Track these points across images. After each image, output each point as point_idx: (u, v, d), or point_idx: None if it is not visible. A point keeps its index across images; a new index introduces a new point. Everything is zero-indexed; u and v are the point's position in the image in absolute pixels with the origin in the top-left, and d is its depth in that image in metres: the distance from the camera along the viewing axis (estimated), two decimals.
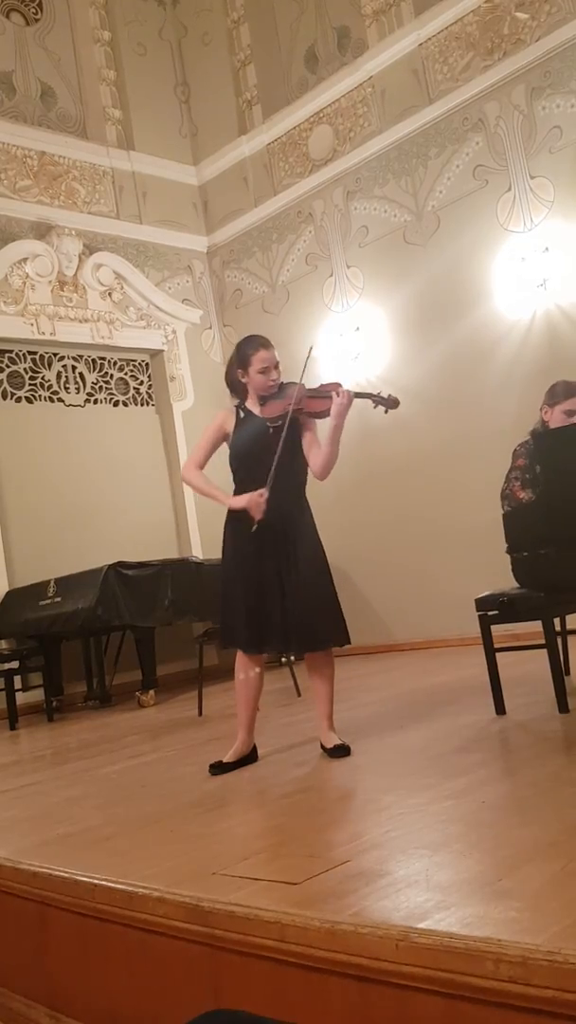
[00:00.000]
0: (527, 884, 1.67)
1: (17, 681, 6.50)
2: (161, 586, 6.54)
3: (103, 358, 8.38)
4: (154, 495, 8.32)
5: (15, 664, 6.56)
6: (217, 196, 8.98)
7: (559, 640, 3.62)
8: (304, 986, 1.63)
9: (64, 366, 8.11)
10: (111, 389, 8.41)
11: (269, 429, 3.33)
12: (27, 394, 7.82)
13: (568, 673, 3.81)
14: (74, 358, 8.18)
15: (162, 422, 8.64)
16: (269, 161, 8.50)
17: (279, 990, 1.68)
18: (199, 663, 5.49)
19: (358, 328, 7.71)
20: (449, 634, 6.68)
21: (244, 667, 3.43)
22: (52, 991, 2.26)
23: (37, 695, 6.76)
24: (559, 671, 3.40)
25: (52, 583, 6.63)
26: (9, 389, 7.72)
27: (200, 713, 5.29)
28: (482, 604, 3.62)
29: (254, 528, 3.27)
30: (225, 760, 3.37)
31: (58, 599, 6.50)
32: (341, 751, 3.26)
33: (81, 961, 2.19)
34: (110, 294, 8.27)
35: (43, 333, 7.77)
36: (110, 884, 2.09)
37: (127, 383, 8.56)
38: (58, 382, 8.04)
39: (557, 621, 3.73)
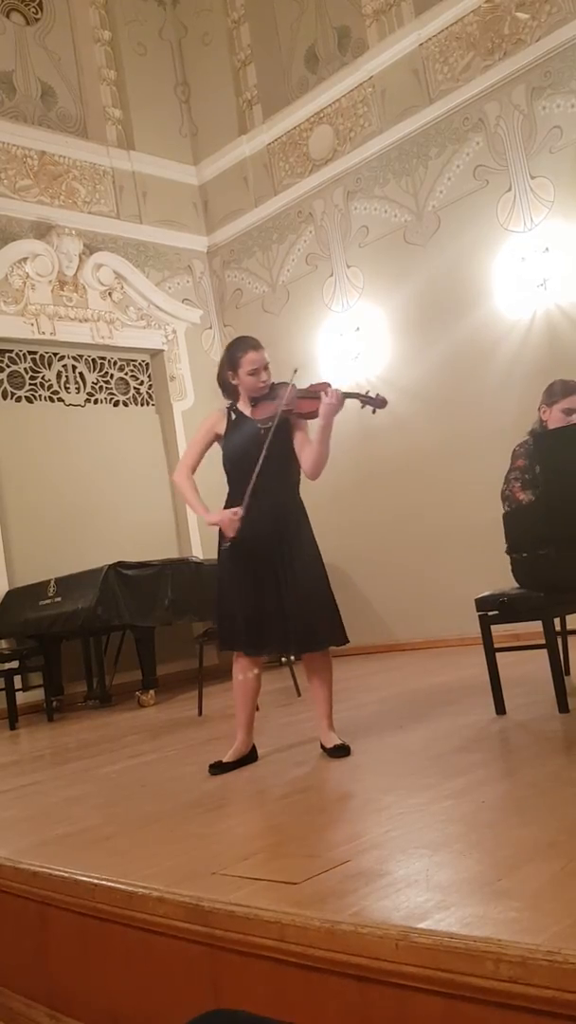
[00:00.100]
0: (527, 884, 1.67)
1: (17, 681, 6.50)
2: (161, 586, 6.54)
3: (103, 358, 8.38)
4: (154, 495, 8.32)
5: (15, 664, 6.57)
6: (217, 196, 8.98)
7: (559, 640, 3.62)
8: (304, 986, 1.63)
9: (64, 366, 8.11)
10: (111, 389, 8.41)
11: (260, 431, 3.33)
12: (27, 394, 7.82)
13: (568, 673, 3.81)
14: (74, 358, 8.18)
15: (162, 422, 8.64)
16: (269, 161, 8.50)
17: (279, 990, 1.68)
18: (199, 663, 5.49)
19: (358, 328, 7.71)
20: (449, 634, 6.68)
21: (242, 668, 3.43)
22: (52, 991, 2.26)
23: (37, 695, 6.76)
24: (559, 671, 3.41)
25: (52, 583, 6.63)
26: (9, 389, 7.72)
27: (200, 713, 5.29)
28: (482, 604, 3.62)
29: (226, 545, 3.30)
30: (225, 760, 3.38)
31: (58, 599, 6.50)
32: (341, 751, 3.26)
33: (81, 961, 2.19)
34: (110, 294, 8.27)
35: (43, 333, 7.77)
36: (110, 884, 2.09)
37: (127, 383, 8.56)
38: (58, 382, 8.04)
39: (557, 621, 3.73)
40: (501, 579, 3.79)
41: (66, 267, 7.93)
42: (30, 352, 7.89)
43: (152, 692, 6.46)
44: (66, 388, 8.08)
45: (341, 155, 7.83)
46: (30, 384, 7.86)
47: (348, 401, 3.35)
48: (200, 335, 8.88)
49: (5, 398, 7.67)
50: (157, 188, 8.79)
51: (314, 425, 3.33)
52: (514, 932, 1.42)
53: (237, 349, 3.43)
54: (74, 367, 8.17)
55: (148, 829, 2.68)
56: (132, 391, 8.57)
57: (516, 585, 3.66)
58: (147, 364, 8.72)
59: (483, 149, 6.82)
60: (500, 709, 3.55)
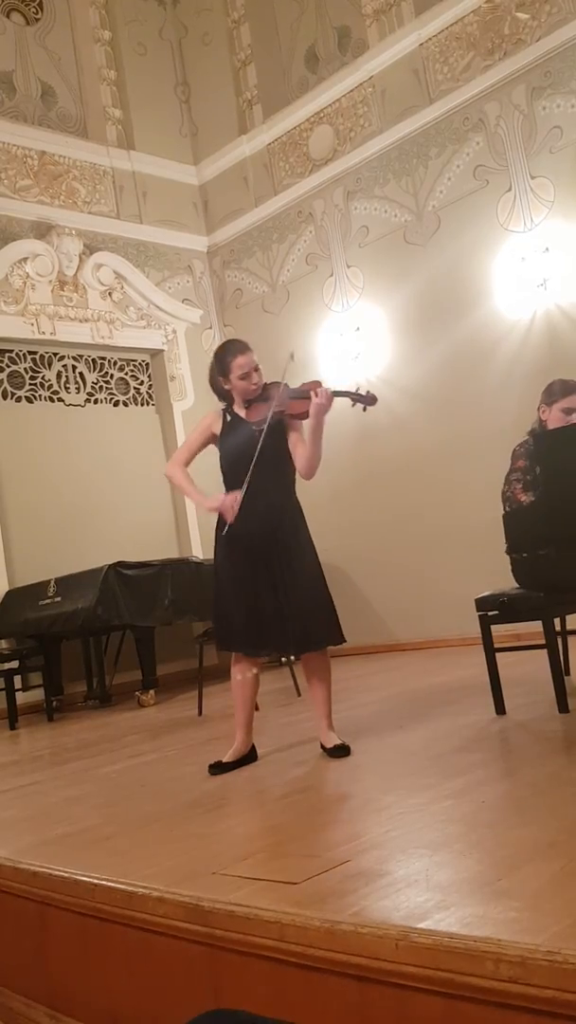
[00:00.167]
0: (527, 884, 1.67)
1: (17, 681, 6.50)
2: (161, 586, 6.54)
3: (103, 358, 8.39)
4: (154, 495, 8.32)
5: (15, 664, 6.57)
6: (217, 196, 8.98)
7: (559, 640, 3.62)
8: (304, 986, 1.63)
9: (64, 366, 8.11)
10: (111, 389, 8.41)
11: (255, 432, 3.33)
12: (27, 394, 7.82)
13: (568, 673, 3.81)
14: (74, 358, 8.18)
15: (162, 422, 8.64)
16: (269, 161, 8.50)
17: (279, 990, 1.68)
18: (199, 663, 5.49)
19: (358, 328, 7.71)
20: (449, 634, 6.68)
21: (241, 668, 3.44)
22: (52, 991, 2.26)
23: (37, 695, 6.76)
24: (559, 671, 3.40)
25: (52, 583, 6.63)
26: (9, 389, 7.72)
27: (200, 713, 5.29)
28: (482, 604, 3.62)
29: (225, 531, 3.30)
30: (224, 760, 3.38)
31: (58, 599, 6.50)
32: (341, 751, 3.27)
33: (81, 961, 2.19)
34: (110, 294, 8.27)
35: (43, 333, 7.77)
36: (110, 884, 2.09)
37: (127, 383, 8.56)
38: (58, 382, 8.05)
39: (557, 621, 3.73)
40: (501, 579, 3.79)
41: (66, 267, 7.93)
42: (30, 352, 7.89)
43: (152, 692, 6.46)
44: (66, 388, 8.08)
45: (341, 155, 7.83)
46: (30, 384, 7.86)
47: (340, 400, 3.34)
48: (200, 335, 8.88)
49: (5, 398, 7.67)
50: (157, 188, 8.79)
51: (308, 425, 3.34)
52: (514, 932, 1.42)
53: (226, 354, 3.43)
54: (74, 367, 8.17)
55: (148, 829, 2.68)
56: (132, 391, 8.57)
57: (516, 585, 3.66)
58: (147, 364, 8.72)
59: (483, 149, 6.82)
60: (500, 709, 3.54)
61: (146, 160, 8.71)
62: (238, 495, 3.26)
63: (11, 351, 7.77)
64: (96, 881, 2.13)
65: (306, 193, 8.12)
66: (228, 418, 3.48)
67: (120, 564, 6.41)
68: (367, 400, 3.36)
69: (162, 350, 8.62)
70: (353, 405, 3.40)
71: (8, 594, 7.10)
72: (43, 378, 7.95)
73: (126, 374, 8.56)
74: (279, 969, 1.66)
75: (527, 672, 4.02)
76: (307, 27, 8.35)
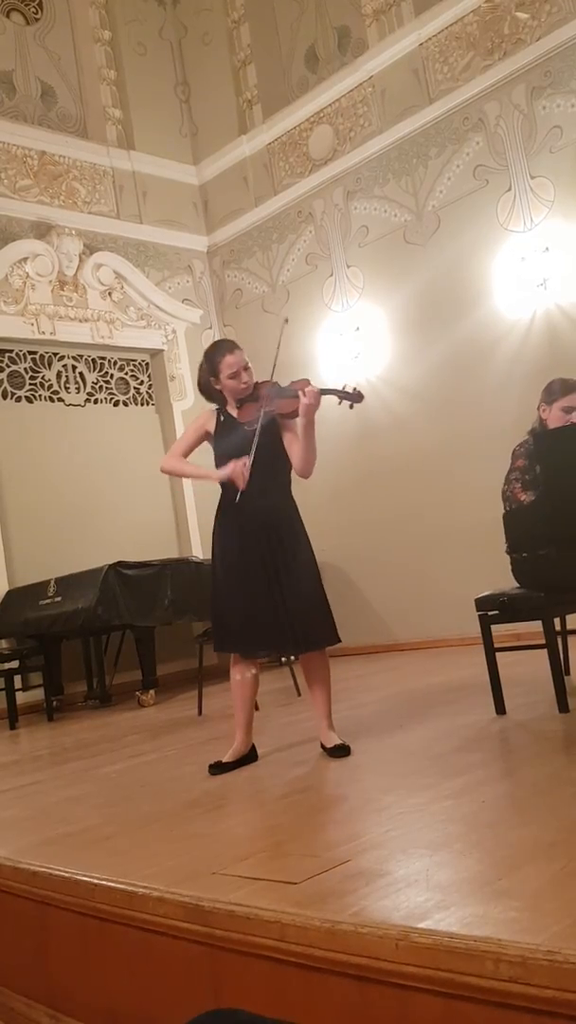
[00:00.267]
0: (527, 884, 1.67)
1: (17, 681, 6.50)
2: (161, 586, 6.54)
3: (103, 358, 8.38)
4: (154, 495, 8.32)
5: (15, 664, 6.57)
6: (217, 196, 8.98)
7: (559, 640, 3.62)
8: (304, 986, 1.63)
9: (64, 366, 8.11)
10: (111, 389, 8.41)
11: (249, 432, 3.33)
12: (27, 394, 7.82)
13: (568, 673, 3.81)
14: (74, 358, 8.18)
15: (162, 422, 8.64)
16: (269, 161, 8.50)
17: (279, 990, 1.68)
18: (199, 663, 5.49)
19: (358, 328, 7.71)
20: (449, 634, 6.67)
21: (240, 669, 3.44)
22: (52, 991, 2.26)
23: (37, 695, 6.76)
24: (559, 671, 3.41)
25: (52, 583, 6.63)
26: (9, 389, 7.72)
27: (200, 712, 5.29)
28: (482, 604, 3.62)
29: (237, 499, 3.28)
30: (224, 760, 3.38)
31: (58, 599, 6.50)
32: (341, 751, 3.27)
33: (81, 961, 2.19)
34: (110, 294, 8.27)
35: (43, 333, 7.77)
36: (110, 884, 2.09)
37: (127, 383, 8.56)
38: (58, 382, 8.04)
39: (557, 621, 3.73)
40: (501, 579, 3.79)
41: (66, 267, 7.93)
42: (30, 352, 7.89)
43: (152, 692, 6.46)
44: (66, 388, 8.08)
45: (341, 155, 7.83)
46: (30, 384, 7.86)
47: (328, 397, 3.34)
48: (200, 335, 8.87)
49: (5, 398, 7.67)
50: (157, 188, 8.79)
51: (299, 423, 3.34)
52: (514, 932, 1.42)
53: (215, 354, 3.44)
54: (74, 367, 8.17)
55: (148, 829, 2.68)
56: (132, 391, 8.57)
57: (516, 585, 3.66)
58: (147, 364, 8.72)
59: (483, 149, 6.82)
60: (500, 709, 3.55)
61: (146, 160, 8.71)
62: (247, 460, 3.26)
63: (11, 351, 7.77)
64: (96, 881, 2.13)
65: (306, 193, 8.12)
66: (222, 418, 3.48)
67: (120, 564, 6.41)
68: (353, 397, 3.35)
69: (162, 350, 8.62)
70: (340, 403, 3.39)
71: (8, 594, 7.10)
72: (43, 378, 7.95)
73: (126, 374, 8.56)
74: (279, 969, 1.66)
75: (527, 672, 4.02)
76: (307, 27, 8.34)
